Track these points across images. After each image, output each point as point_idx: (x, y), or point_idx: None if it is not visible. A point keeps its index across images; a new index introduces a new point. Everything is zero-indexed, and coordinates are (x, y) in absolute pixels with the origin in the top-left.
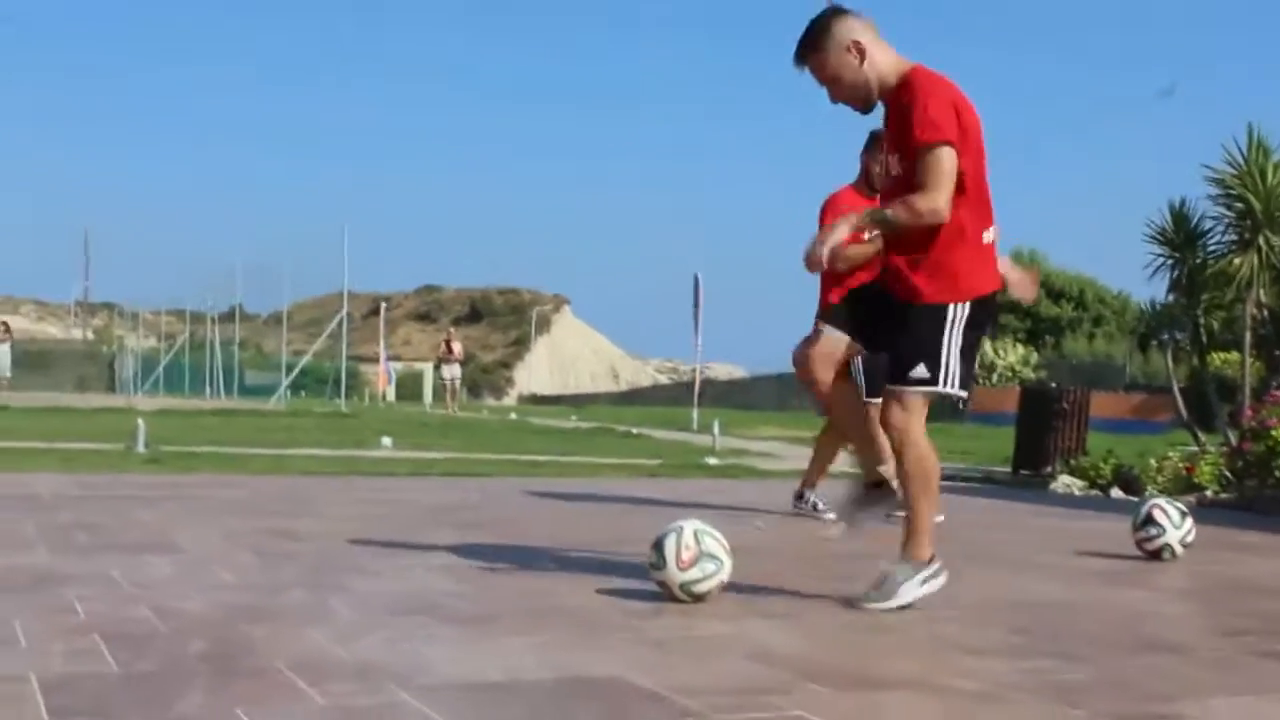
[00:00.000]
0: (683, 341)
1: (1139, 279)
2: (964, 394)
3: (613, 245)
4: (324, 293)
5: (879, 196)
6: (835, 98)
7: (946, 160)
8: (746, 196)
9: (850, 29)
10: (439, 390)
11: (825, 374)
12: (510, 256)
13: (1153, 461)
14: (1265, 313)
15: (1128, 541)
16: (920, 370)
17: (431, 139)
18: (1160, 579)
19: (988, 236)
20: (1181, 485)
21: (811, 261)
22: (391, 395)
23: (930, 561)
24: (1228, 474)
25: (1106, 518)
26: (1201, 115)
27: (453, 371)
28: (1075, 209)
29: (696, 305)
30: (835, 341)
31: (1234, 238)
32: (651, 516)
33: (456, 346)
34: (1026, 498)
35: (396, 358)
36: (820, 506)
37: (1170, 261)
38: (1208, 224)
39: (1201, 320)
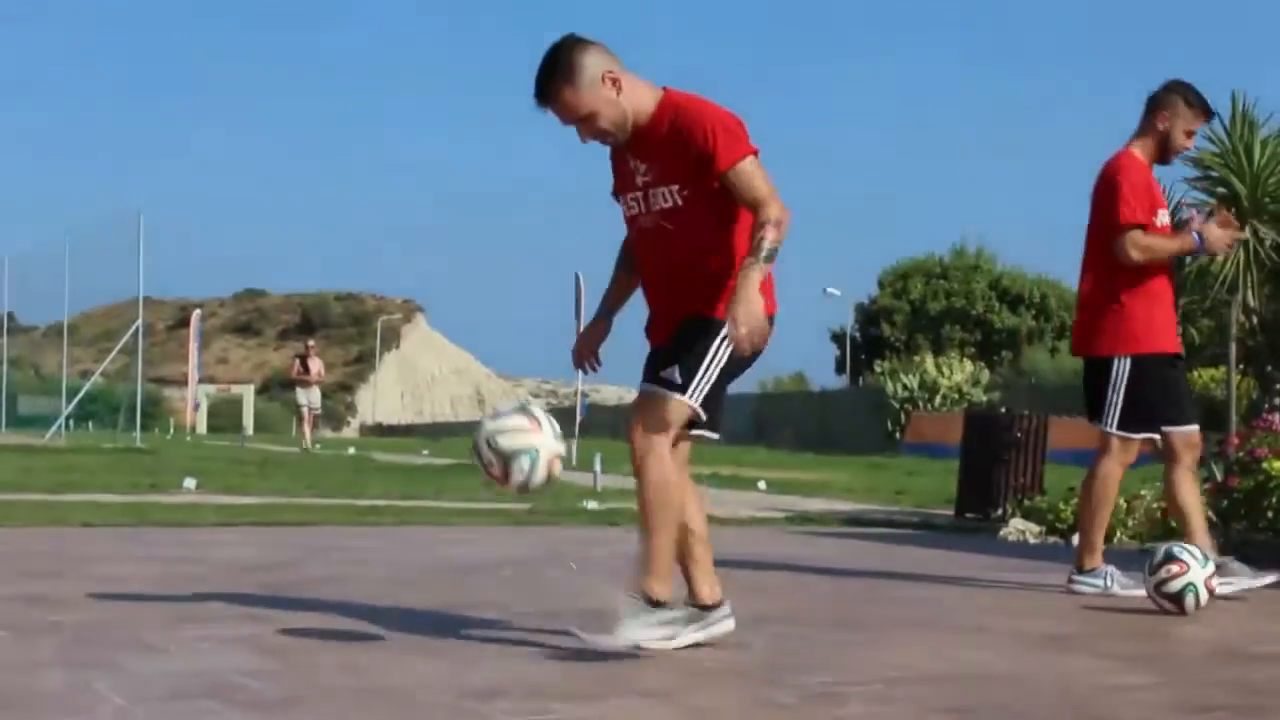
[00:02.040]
0: (563, 359)
1: None
2: (702, 418)
3: (479, 244)
4: (118, 300)
5: (641, 232)
6: (588, 135)
7: (761, 167)
8: None
9: (602, 60)
10: (291, 419)
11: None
12: (350, 256)
13: (1122, 502)
14: (1254, 320)
15: (1088, 598)
16: (674, 373)
17: (248, 114)
18: (1121, 645)
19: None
20: (1157, 530)
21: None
22: (202, 427)
23: (664, 605)
24: (1212, 516)
25: (1064, 570)
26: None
27: (310, 397)
28: (1033, 198)
29: (578, 312)
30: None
31: None
32: (508, 576)
33: (315, 364)
34: (971, 547)
35: (210, 379)
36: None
37: None
38: (1185, 213)
39: (1179, 330)
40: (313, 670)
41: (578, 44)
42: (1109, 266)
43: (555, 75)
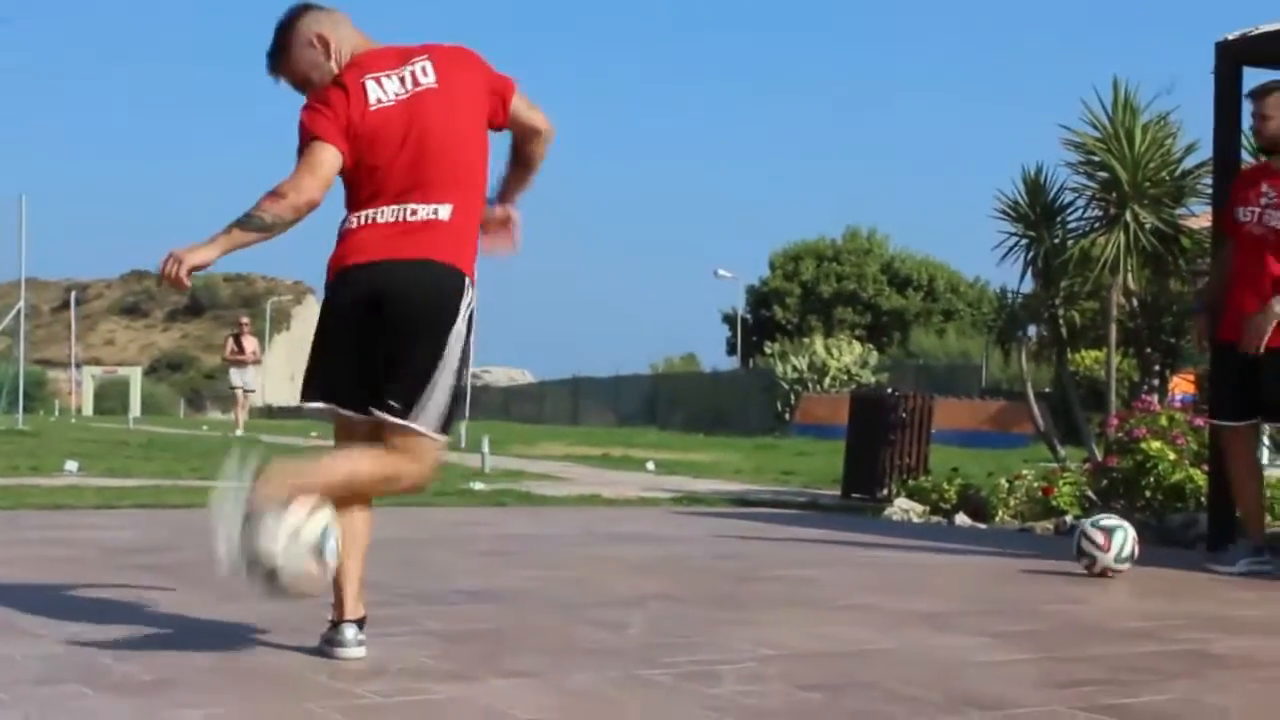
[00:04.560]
0: None
1: (994, 263)
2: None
3: None
4: (1, 280)
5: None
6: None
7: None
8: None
9: (314, 22)
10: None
11: None
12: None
13: (1004, 482)
14: (1135, 303)
15: (968, 576)
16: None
17: (130, 93)
18: (996, 623)
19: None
20: (1038, 510)
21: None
22: (89, 409)
23: None
24: (1091, 495)
25: (946, 548)
26: (1072, 73)
27: (245, 377)
28: (921, 182)
29: None
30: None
31: (1098, 213)
32: (386, 556)
33: (249, 342)
34: (856, 526)
35: (96, 361)
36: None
37: (1025, 242)
38: (1068, 197)
39: (1061, 312)
40: (186, 652)
41: (301, 11)
42: None
43: (275, 45)
